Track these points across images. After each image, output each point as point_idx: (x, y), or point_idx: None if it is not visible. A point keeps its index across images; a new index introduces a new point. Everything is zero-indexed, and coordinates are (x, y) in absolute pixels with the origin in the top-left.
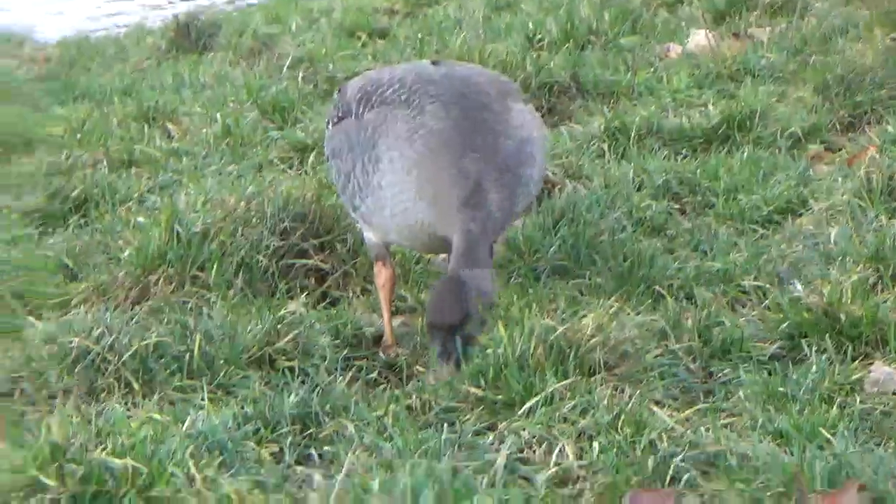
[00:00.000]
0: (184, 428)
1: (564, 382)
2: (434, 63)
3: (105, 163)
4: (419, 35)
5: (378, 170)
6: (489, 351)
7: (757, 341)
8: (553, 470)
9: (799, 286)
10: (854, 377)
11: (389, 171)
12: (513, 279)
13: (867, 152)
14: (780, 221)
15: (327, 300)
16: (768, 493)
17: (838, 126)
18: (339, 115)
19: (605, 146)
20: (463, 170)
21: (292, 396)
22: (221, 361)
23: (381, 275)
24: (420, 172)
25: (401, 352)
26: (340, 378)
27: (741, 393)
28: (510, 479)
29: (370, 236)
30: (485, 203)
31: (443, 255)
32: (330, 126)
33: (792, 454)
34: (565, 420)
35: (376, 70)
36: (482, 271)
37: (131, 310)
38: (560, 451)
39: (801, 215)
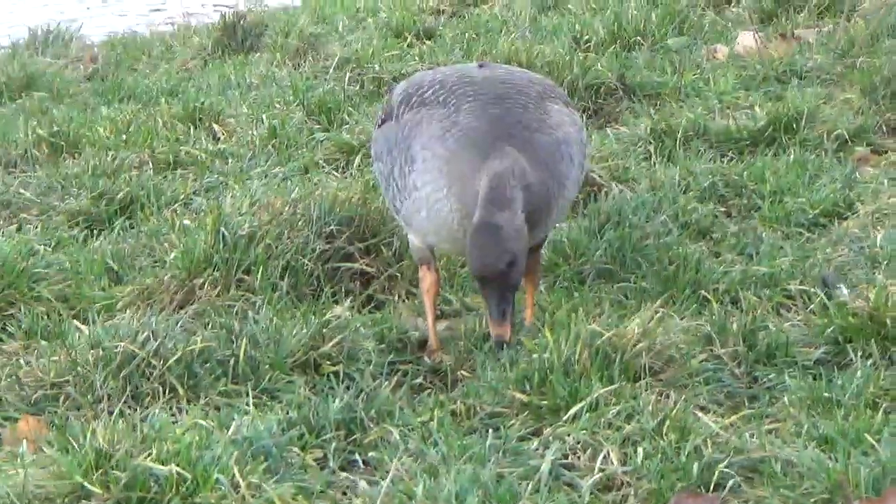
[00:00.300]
0: (228, 433)
1: (609, 388)
2: (480, 65)
3: (151, 164)
4: (466, 35)
5: (413, 170)
6: (535, 356)
7: (802, 346)
8: (598, 476)
9: (845, 290)
10: None
11: (423, 171)
12: (558, 283)
13: None
14: (825, 225)
15: (373, 304)
16: (812, 500)
17: (885, 128)
18: (384, 117)
19: (652, 148)
20: (494, 155)
21: (337, 401)
22: (266, 366)
23: (426, 279)
24: (451, 168)
25: (445, 357)
26: (385, 383)
27: (786, 398)
28: (555, 485)
29: (413, 239)
30: (517, 162)
31: None
32: (375, 129)
33: (836, 460)
34: (610, 426)
35: (422, 72)
36: (515, 215)
37: (176, 314)
38: (605, 456)
39: (846, 219)
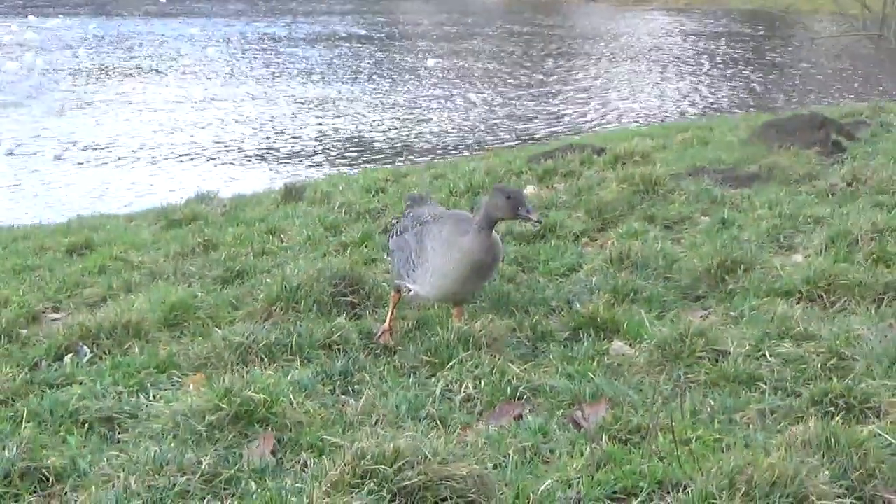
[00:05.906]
0: None
1: None
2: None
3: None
4: (400, 192)
5: (423, 250)
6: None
7: None
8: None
9: None
10: None
11: (430, 251)
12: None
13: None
14: None
15: (359, 318)
16: None
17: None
18: (400, 230)
19: None
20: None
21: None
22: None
23: (396, 296)
24: (450, 240)
25: (392, 340)
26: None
27: None
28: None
29: (408, 286)
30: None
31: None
32: (394, 236)
33: None
34: None
35: (414, 209)
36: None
37: None
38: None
39: None
